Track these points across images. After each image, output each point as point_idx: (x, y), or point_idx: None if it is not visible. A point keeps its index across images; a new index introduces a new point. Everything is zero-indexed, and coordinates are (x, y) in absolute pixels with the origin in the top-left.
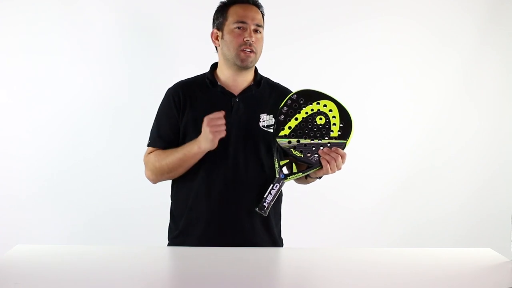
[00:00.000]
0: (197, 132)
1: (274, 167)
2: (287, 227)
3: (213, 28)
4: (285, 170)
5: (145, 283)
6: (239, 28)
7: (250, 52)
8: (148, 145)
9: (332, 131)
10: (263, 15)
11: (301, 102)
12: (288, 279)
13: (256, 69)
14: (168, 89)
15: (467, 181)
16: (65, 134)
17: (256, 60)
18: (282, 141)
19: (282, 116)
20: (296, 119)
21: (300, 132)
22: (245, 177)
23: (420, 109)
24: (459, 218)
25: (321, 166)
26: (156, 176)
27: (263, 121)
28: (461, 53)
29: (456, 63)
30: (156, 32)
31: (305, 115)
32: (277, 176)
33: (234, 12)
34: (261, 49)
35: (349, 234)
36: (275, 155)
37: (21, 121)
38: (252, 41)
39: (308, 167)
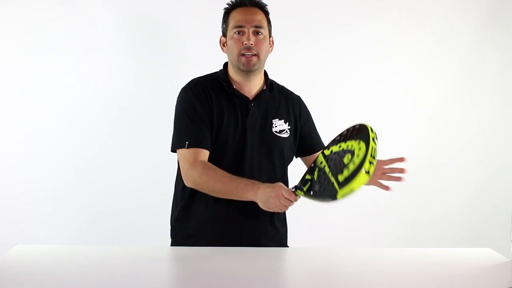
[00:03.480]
0: (220, 135)
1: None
2: (288, 227)
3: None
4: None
5: (146, 283)
6: (238, 33)
7: (251, 55)
8: (189, 146)
9: (342, 173)
10: (266, 13)
11: (354, 134)
12: (290, 278)
13: (266, 73)
14: (187, 88)
15: (467, 181)
16: (66, 134)
17: (260, 62)
18: (321, 158)
19: (338, 138)
20: (340, 146)
21: (331, 159)
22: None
23: (420, 109)
24: (459, 218)
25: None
26: (197, 186)
27: (276, 126)
28: (461, 53)
29: (456, 63)
30: (157, 32)
31: (345, 147)
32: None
33: (233, 18)
34: (266, 50)
35: (349, 234)
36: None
37: (21, 121)
38: (251, 44)
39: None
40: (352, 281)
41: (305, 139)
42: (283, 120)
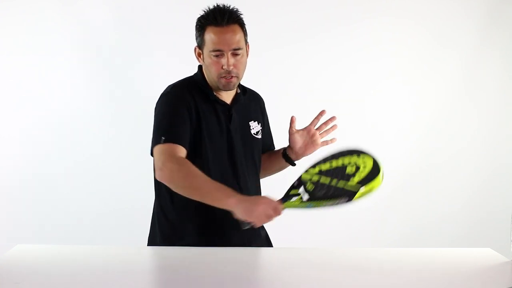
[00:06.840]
0: (203, 143)
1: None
2: (287, 227)
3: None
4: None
5: (144, 283)
6: (216, 55)
7: (231, 77)
8: (165, 141)
9: (354, 177)
10: (242, 26)
11: (348, 152)
12: (286, 279)
13: None
14: (169, 92)
15: (467, 181)
16: (65, 134)
17: (239, 81)
18: (305, 177)
19: (323, 159)
20: (331, 164)
21: (326, 174)
22: (247, 185)
23: (420, 109)
24: (459, 218)
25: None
26: (172, 181)
27: (253, 128)
28: (461, 54)
29: (456, 63)
30: (155, 32)
31: (340, 164)
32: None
33: (209, 38)
34: (244, 69)
35: (348, 234)
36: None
37: (21, 121)
38: (231, 69)
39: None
40: (351, 282)
41: (264, 138)
42: (256, 122)
